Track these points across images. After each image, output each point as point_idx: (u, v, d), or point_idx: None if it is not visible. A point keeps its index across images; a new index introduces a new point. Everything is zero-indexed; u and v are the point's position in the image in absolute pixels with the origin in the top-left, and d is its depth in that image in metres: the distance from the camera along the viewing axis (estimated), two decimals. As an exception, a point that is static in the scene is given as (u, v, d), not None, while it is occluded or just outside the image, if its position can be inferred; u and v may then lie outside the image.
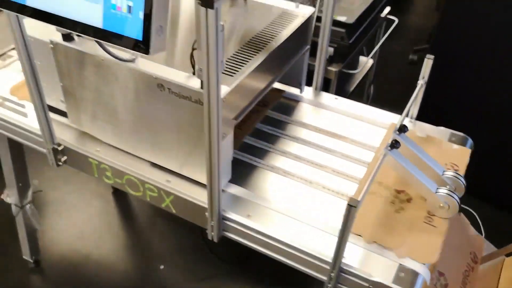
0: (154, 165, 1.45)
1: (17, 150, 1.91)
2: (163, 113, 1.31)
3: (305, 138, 1.59)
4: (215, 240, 1.37)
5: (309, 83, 1.76)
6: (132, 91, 1.33)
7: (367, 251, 1.26)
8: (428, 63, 1.51)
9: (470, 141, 1.60)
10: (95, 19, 1.02)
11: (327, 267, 1.23)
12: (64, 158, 1.55)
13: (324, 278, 1.26)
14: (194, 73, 1.25)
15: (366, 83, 2.83)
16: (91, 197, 2.60)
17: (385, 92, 3.22)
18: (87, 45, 1.35)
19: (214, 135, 1.15)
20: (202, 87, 1.12)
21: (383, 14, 2.50)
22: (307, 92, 1.76)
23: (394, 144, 1.29)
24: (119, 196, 2.62)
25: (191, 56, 1.26)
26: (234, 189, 1.40)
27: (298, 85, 1.74)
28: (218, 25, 0.98)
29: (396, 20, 2.46)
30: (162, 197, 1.42)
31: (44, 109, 1.44)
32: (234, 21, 1.56)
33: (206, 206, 1.33)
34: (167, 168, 1.43)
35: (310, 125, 1.64)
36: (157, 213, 2.55)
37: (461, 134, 1.61)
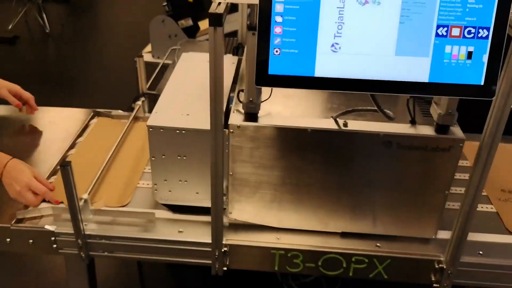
0: (344, 235, 1.31)
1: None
2: (385, 173, 1.19)
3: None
4: (449, 291, 1.28)
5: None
6: (342, 158, 1.18)
7: None
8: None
9: None
10: (417, 74, 0.91)
11: None
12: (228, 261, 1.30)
13: None
14: (412, 121, 1.18)
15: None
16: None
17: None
18: (278, 119, 1.17)
19: (483, 181, 1.10)
20: (440, 132, 1.13)
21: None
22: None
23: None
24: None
25: (409, 102, 1.18)
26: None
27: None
28: None
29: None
30: (374, 265, 1.28)
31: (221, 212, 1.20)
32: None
33: (432, 258, 1.25)
34: (362, 234, 1.30)
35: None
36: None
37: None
